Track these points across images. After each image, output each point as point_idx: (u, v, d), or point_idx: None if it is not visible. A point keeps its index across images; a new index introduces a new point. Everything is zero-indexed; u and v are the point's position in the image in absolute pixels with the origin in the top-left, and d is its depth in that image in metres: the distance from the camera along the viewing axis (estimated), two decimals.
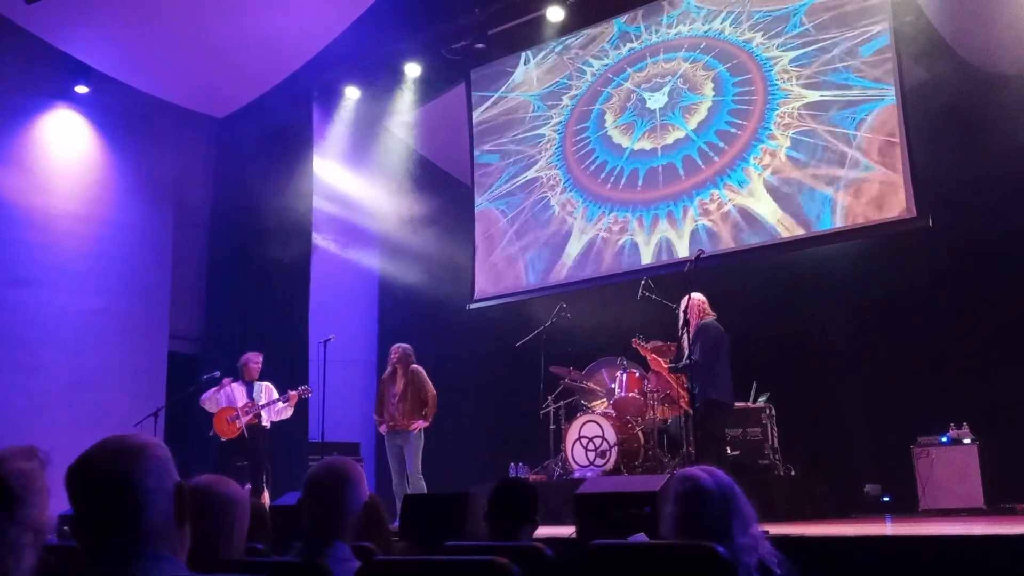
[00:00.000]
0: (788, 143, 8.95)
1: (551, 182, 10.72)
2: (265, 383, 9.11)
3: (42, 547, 1.58)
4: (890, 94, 8.43)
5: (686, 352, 7.13)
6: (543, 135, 10.96)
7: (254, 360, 9.13)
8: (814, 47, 8.99)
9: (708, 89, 9.68)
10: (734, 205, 9.16)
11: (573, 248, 10.31)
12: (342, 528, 2.73)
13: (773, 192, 8.96)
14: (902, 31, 8.52)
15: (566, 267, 10.32)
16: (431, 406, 8.61)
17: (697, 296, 7.31)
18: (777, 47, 9.27)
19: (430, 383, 8.70)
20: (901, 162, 8.24)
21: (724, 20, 9.72)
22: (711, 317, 7.38)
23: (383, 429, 8.74)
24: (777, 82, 9.20)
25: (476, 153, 11.52)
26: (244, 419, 8.81)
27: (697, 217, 9.40)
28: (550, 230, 10.56)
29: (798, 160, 8.86)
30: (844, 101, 8.71)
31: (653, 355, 8.10)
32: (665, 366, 7.89)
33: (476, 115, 11.57)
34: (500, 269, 10.95)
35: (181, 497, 1.67)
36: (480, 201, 11.34)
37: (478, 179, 11.45)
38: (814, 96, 8.91)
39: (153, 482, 1.63)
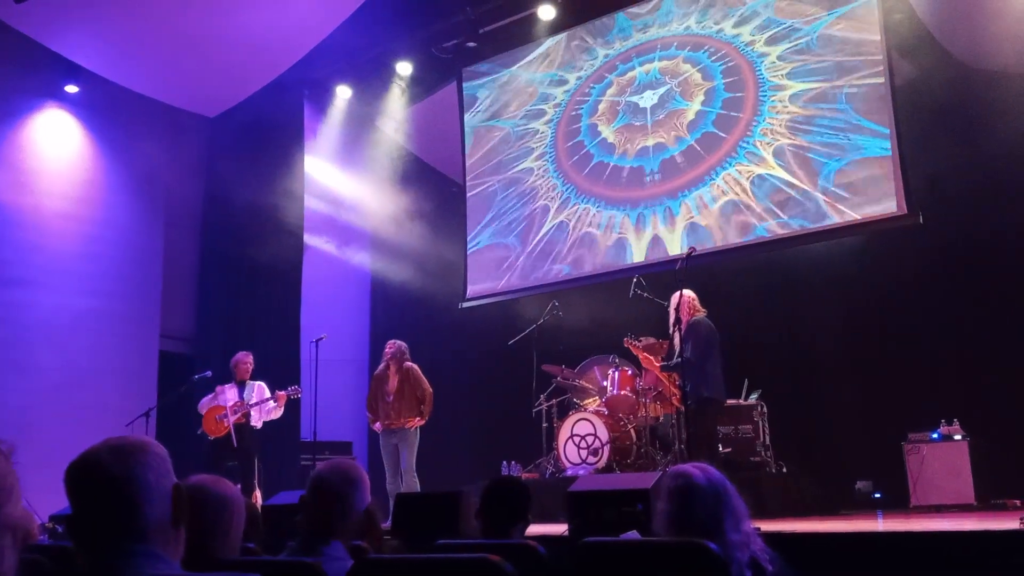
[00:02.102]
0: (774, 149, 9.01)
1: (543, 179, 10.73)
2: (258, 382, 9.08)
3: (23, 546, 1.57)
4: (883, 96, 8.48)
5: (678, 349, 7.14)
6: (536, 130, 10.97)
7: (244, 360, 9.09)
8: (810, 59, 9.04)
9: (698, 95, 9.70)
10: (726, 200, 9.21)
11: (562, 245, 10.33)
12: (341, 528, 2.74)
13: (765, 187, 9.01)
14: (891, 28, 8.55)
15: (557, 265, 10.33)
16: (428, 404, 8.62)
17: (688, 293, 7.32)
18: (767, 44, 9.31)
19: (426, 381, 8.70)
20: (892, 160, 8.29)
21: (721, 19, 9.74)
22: (701, 314, 7.39)
23: (378, 427, 8.73)
24: (768, 83, 9.24)
25: (467, 154, 11.53)
26: (232, 418, 8.80)
27: (693, 214, 9.44)
28: (540, 228, 10.57)
29: (787, 164, 8.91)
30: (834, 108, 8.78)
31: (645, 354, 8.11)
32: (657, 364, 7.89)
33: (467, 117, 11.57)
34: (491, 268, 10.96)
35: (179, 498, 1.68)
36: (472, 202, 11.34)
37: (470, 181, 11.45)
38: (805, 106, 8.97)
39: (153, 480, 1.65)
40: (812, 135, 8.83)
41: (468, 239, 11.31)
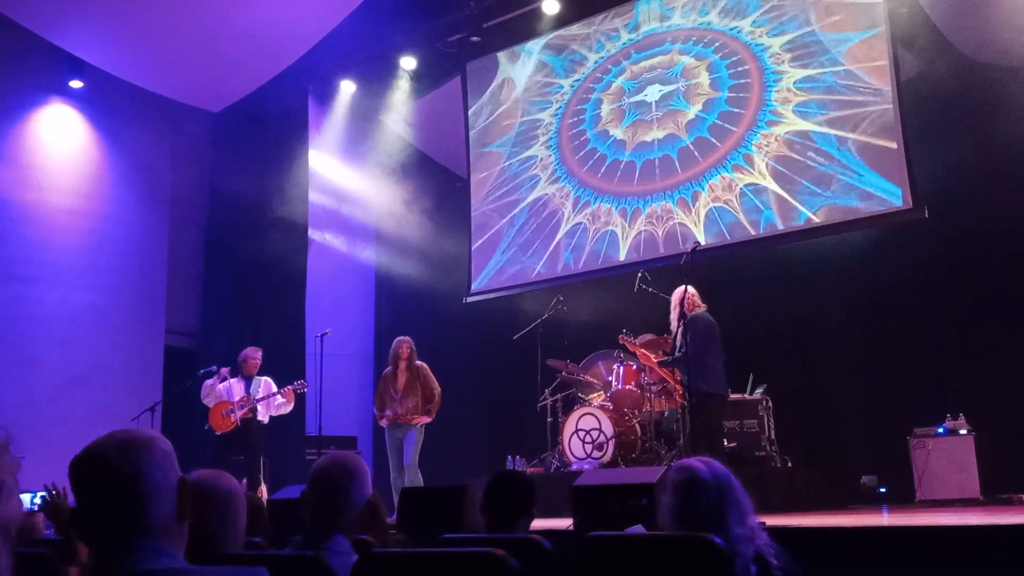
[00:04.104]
0: (782, 140, 9.00)
1: (547, 173, 10.72)
2: (264, 378, 9.07)
3: (20, 542, 1.55)
4: (887, 93, 8.44)
5: (679, 344, 7.14)
6: (539, 130, 10.95)
7: (253, 356, 9.09)
8: (815, 53, 9.02)
9: (702, 73, 9.69)
10: (740, 189, 9.21)
11: (569, 241, 10.32)
12: (344, 522, 2.74)
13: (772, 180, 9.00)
14: (897, 22, 8.53)
15: (562, 260, 10.33)
16: (436, 403, 8.63)
17: (690, 289, 7.31)
18: (772, 37, 9.30)
19: (435, 380, 8.71)
20: (897, 153, 8.27)
21: (722, 12, 9.71)
22: (701, 309, 7.38)
23: (384, 422, 8.74)
24: (772, 82, 9.23)
25: (472, 152, 11.51)
26: (239, 413, 8.81)
27: (705, 204, 9.43)
28: (546, 223, 10.56)
29: (792, 157, 8.90)
30: (840, 101, 8.76)
31: (642, 350, 8.12)
32: (655, 360, 7.90)
33: (471, 115, 11.56)
34: (496, 262, 10.95)
35: (184, 492, 1.68)
36: (476, 196, 11.33)
37: (474, 174, 11.44)
38: (809, 114, 8.96)
39: (159, 476, 1.64)
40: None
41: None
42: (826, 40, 8.91)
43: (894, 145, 8.31)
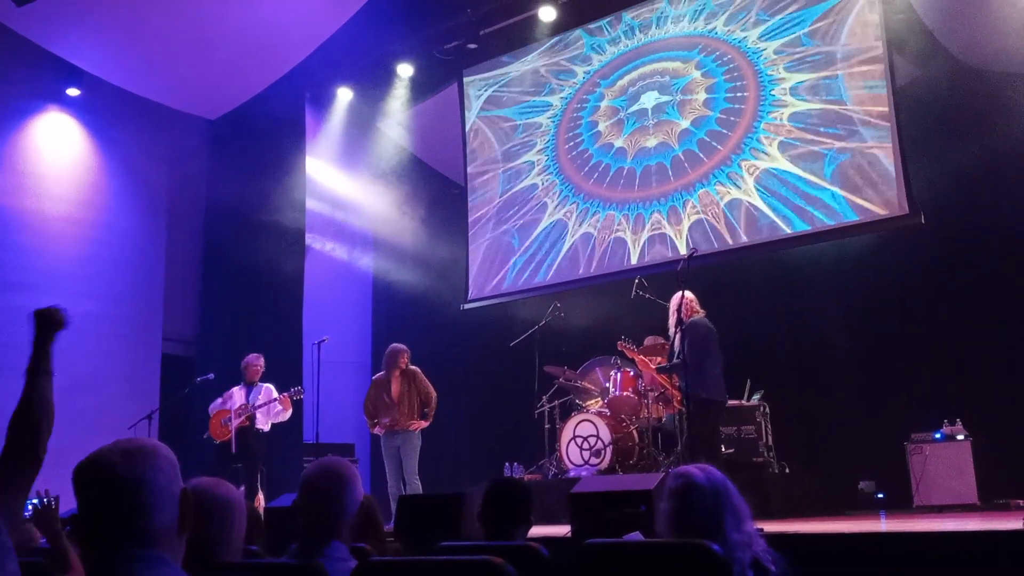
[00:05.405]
0: (778, 145, 9.01)
1: (545, 182, 10.73)
2: (266, 384, 9.07)
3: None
4: (882, 95, 8.46)
5: (678, 350, 7.14)
6: (535, 135, 10.97)
7: (254, 362, 9.09)
8: (810, 57, 9.04)
9: (700, 91, 9.70)
10: (728, 202, 9.21)
11: (566, 247, 10.32)
12: (338, 528, 2.74)
13: (765, 190, 9.01)
14: (893, 28, 8.55)
15: (560, 267, 10.33)
16: (432, 407, 8.62)
17: (688, 294, 7.32)
18: (768, 45, 9.31)
19: (429, 384, 8.70)
20: (893, 159, 8.29)
21: (722, 19, 9.71)
22: (699, 315, 7.38)
23: (378, 430, 8.71)
24: (770, 85, 9.24)
25: (469, 156, 11.52)
26: (235, 422, 8.80)
27: (696, 213, 9.44)
28: (543, 230, 10.57)
29: (788, 160, 8.92)
30: (835, 112, 8.77)
31: (640, 356, 8.11)
32: (653, 367, 7.89)
33: (468, 118, 11.57)
34: (494, 269, 10.95)
35: (186, 504, 1.68)
36: (474, 202, 11.34)
37: (471, 182, 11.45)
38: (805, 104, 8.98)
39: (163, 482, 1.65)
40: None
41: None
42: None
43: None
